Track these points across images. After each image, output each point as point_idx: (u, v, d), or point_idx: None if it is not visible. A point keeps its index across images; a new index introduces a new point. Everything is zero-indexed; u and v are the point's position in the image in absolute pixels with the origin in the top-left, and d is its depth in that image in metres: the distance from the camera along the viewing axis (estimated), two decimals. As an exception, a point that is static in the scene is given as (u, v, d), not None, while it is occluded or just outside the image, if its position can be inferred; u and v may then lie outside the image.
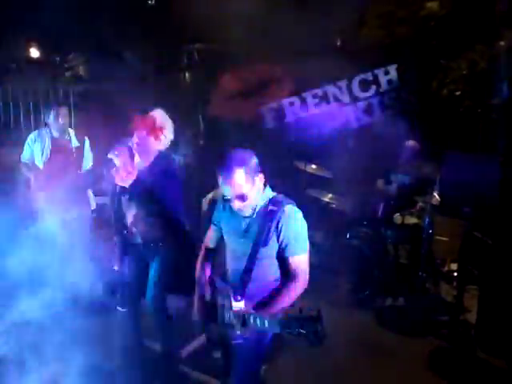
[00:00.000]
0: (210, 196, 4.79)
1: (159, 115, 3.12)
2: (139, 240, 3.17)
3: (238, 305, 2.27)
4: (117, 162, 2.98)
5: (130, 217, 3.14)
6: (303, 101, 6.89)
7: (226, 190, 2.29)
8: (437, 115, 6.39)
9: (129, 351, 3.38)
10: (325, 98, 6.82)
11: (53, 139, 4.35)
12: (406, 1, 6.81)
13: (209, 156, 4.67)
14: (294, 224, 2.36)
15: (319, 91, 6.82)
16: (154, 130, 3.05)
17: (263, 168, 2.38)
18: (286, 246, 2.34)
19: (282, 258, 2.39)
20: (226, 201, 2.33)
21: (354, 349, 3.58)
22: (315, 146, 5.67)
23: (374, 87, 6.66)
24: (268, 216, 2.34)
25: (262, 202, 2.39)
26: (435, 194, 4.71)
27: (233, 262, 2.51)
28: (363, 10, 6.81)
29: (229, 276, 2.53)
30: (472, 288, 4.39)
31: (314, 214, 5.00)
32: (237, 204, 2.31)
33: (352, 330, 3.82)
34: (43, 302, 3.81)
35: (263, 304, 2.34)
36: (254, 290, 2.37)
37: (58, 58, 8.73)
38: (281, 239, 2.34)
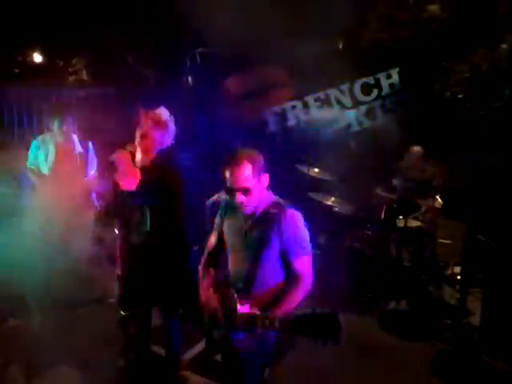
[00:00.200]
0: (212, 198, 4.79)
1: (163, 111, 3.14)
2: (145, 241, 3.17)
3: (243, 308, 2.27)
4: (119, 167, 2.99)
5: (135, 218, 3.15)
6: (305, 104, 6.92)
7: (233, 182, 2.32)
8: (439, 118, 6.39)
9: (135, 354, 3.38)
10: (327, 102, 6.85)
11: (57, 145, 4.37)
12: (407, 3, 6.83)
13: (211, 159, 4.67)
14: (296, 227, 2.37)
15: (321, 95, 6.85)
16: (160, 121, 3.06)
17: (267, 171, 2.41)
18: (289, 248, 2.35)
19: (285, 261, 2.39)
20: (231, 192, 2.34)
21: (357, 351, 3.58)
22: (317, 150, 5.67)
23: (375, 91, 6.68)
24: (269, 219, 2.35)
25: (264, 205, 2.41)
26: (438, 197, 4.70)
27: (235, 266, 2.51)
28: (365, 12, 6.83)
29: (232, 279, 2.53)
30: (475, 291, 4.38)
31: (317, 217, 5.00)
32: (239, 197, 2.33)
33: (355, 332, 3.80)
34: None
35: (267, 307, 2.33)
36: (258, 293, 2.37)
37: (61, 63, 8.78)
38: (283, 242, 2.35)
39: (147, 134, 3.02)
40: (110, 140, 4.37)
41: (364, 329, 4.09)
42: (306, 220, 2.42)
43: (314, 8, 6.02)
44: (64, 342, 3.49)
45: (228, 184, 2.34)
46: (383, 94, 6.63)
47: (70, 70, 8.67)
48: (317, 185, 5.44)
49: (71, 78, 8.64)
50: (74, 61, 8.63)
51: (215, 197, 4.70)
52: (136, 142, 3.06)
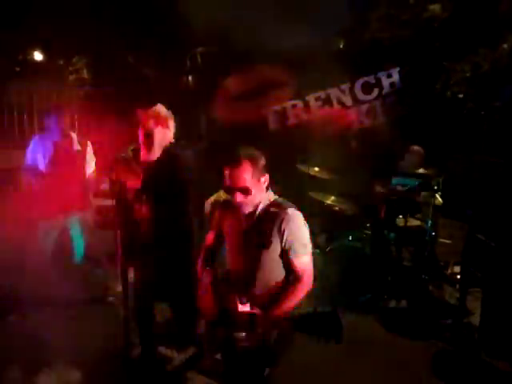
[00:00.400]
0: (212, 198, 4.80)
1: (162, 108, 3.14)
2: (150, 240, 3.18)
3: (244, 307, 2.27)
4: (123, 165, 2.99)
5: (140, 217, 3.16)
6: (306, 103, 6.92)
7: (232, 182, 2.31)
8: (440, 117, 6.39)
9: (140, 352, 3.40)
10: (328, 101, 6.84)
11: (55, 143, 4.37)
12: (408, 3, 6.83)
13: (211, 158, 4.67)
14: (297, 226, 2.37)
15: (322, 94, 6.84)
16: (161, 119, 3.06)
17: (267, 171, 2.40)
18: (290, 248, 2.35)
19: (286, 260, 2.39)
20: (230, 191, 2.34)
21: (356, 351, 3.57)
22: (318, 149, 5.67)
23: (376, 90, 6.68)
24: (270, 219, 2.35)
25: (264, 205, 2.40)
26: (438, 196, 4.70)
27: (235, 265, 2.51)
28: (366, 12, 6.83)
29: (232, 279, 2.53)
30: (475, 290, 4.37)
31: (317, 217, 5.00)
32: (238, 197, 2.32)
33: (354, 332, 3.80)
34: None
35: (268, 306, 2.33)
36: (259, 292, 2.38)
37: (62, 61, 8.77)
38: (284, 242, 2.35)
39: (149, 132, 3.01)
40: (110, 139, 4.38)
41: (364, 328, 4.09)
42: (305, 220, 2.42)
43: (315, 7, 6.01)
44: (64, 341, 3.49)
45: (227, 184, 2.34)
46: (384, 93, 6.63)
47: (71, 68, 8.66)
48: (317, 184, 5.43)
49: (72, 77, 8.63)
50: (74, 59, 8.62)
51: (215, 195, 4.71)
52: (140, 141, 3.06)
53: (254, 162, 2.30)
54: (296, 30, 5.80)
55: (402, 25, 6.76)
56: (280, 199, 2.45)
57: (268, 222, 2.35)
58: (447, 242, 5.40)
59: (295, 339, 2.28)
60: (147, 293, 3.26)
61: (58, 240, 4.39)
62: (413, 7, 6.74)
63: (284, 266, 2.42)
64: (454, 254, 5.14)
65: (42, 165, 4.34)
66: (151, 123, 3.01)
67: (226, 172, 2.32)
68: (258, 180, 2.33)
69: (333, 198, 5.15)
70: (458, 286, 4.77)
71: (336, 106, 6.80)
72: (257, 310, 2.25)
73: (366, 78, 6.68)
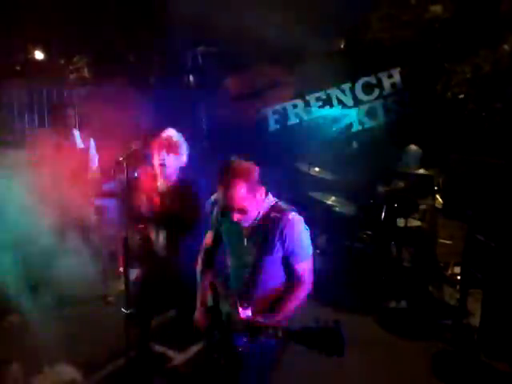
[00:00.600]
0: (212, 197, 4.80)
1: (173, 133, 3.18)
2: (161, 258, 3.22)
3: (245, 312, 2.25)
4: (140, 186, 3.11)
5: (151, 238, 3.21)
6: (307, 103, 6.91)
7: (226, 204, 2.26)
8: (441, 118, 6.38)
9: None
10: (328, 101, 6.84)
11: (58, 141, 4.37)
12: (409, 4, 6.82)
13: (212, 158, 4.67)
14: (298, 231, 2.35)
15: (323, 94, 6.84)
16: (173, 147, 3.10)
17: (266, 174, 2.36)
18: (291, 253, 2.34)
19: (287, 265, 2.39)
20: (225, 214, 2.33)
21: (356, 351, 3.57)
22: (318, 149, 5.67)
23: (377, 90, 6.68)
24: (271, 223, 2.33)
25: (264, 211, 2.37)
26: (438, 196, 4.70)
27: (236, 269, 2.49)
28: (367, 12, 6.82)
29: (232, 282, 2.51)
30: (475, 291, 4.38)
31: (317, 217, 5.01)
32: (236, 216, 2.29)
33: (354, 332, 3.80)
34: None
35: (269, 310, 2.32)
36: (259, 297, 2.37)
37: (62, 61, 8.76)
38: (285, 247, 2.33)
39: (164, 162, 3.08)
40: (112, 137, 4.37)
41: (364, 329, 4.09)
42: (306, 220, 2.42)
43: (316, 7, 6.00)
44: (64, 340, 3.50)
45: (222, 203, 2.31)
46: (385, 93, 6.62)
47: (72, 67, 8.65)
48: (317, 184, 5.44)
49: (72, 76, 8.62)
50: (75, 59, 8.61)
51: (215, 195, 4.71)
52: (155, 169, 3.12)
53: (247, 178, 2.22)
54: (297, 30, 5.80)
55: (403, 25, 6.75)
56: (280, 203, 2.42)
57: (269, 228, 2.32)
58: (447, 242, 5.40)
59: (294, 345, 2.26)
60: (150, 292, 3.26)
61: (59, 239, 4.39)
62: (414, 8, 6.73)
63: (285, 271, 2.41)
64: (454, 255, 5.14)
65: (44, 162, 4.34)
66: (164, 153, 3.07)
67: (220, 191, 2.27)
68: (254, 195, 2.27)
69: (333, 198, 5.16)
70: (458, 286, 4.77)
71: (336, 105, 6.81)
72: (258, 316, 2.24)
73: (366, 78, 6.68)
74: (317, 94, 6.86)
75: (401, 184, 5.03)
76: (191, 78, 7.27)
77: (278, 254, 2.34)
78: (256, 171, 2.28)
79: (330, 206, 5.12)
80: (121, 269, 3.27)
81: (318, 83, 6.76)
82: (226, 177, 2.22)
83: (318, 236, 5.21)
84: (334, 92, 6.79)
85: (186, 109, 6.63)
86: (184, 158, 3.18)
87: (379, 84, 6.64)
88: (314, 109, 6.87)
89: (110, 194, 4.89)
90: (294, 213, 2.37)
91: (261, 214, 2.37)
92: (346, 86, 6.75)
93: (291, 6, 5.94)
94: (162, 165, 3.08)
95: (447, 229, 5.50)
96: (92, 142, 4.59)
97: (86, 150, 4.51)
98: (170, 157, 3.08)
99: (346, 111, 6.77)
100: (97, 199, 4.81)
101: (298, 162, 5.57)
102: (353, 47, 7.25)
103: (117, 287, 4.16)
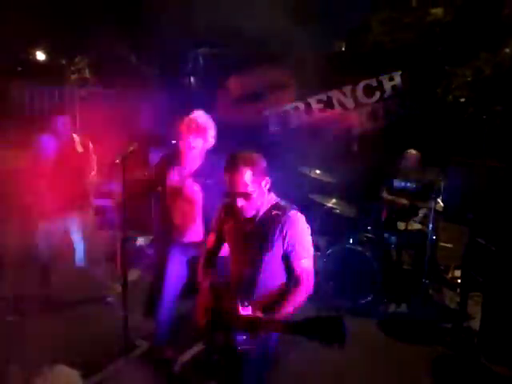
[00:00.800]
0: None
1: (200, 115, 3.20)
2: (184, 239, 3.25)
3: (246, 310, 2.25)
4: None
5: (178, 217, 3.24)
6: (308, 106, 6.92)
7: (232, 187, 2.29)
8: (441, 121, 6.39)
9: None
10: (329, 104, 6.85)
11: (58, 144, 4.36)
12: (410, 7, 6.83)
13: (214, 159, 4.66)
14: (299, 229, 2.36)
15: (324, 96, 6.85)
16: (201, 130, 3.13)
17: (269, 173, 2.37)
18: (292, 251, 2.34)
19: (288, 263, 2.38)
20: (231, 196, 2.33)
21: (356, 354, 3.56)
22: (319, 151, 5.67)
23: (378, 93, 6.68)
24: (272, 221, 2.34)
25: (266, 207, 2.39)
26: (439, 200, 4.69)
27: (237, 268, 2.49)
28: (368, 15, 6.83)
29: (233, 281, 2.52)
30: (476, 295, 4.37)
31: (318, 219, 5.00)
32: (239, 202, 2.31)
33: (354, 335, 3.80)
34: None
35: (269, 309, 2.32)
36: (260, 295, 2.36)
37: (63, 61, 8.78)
38: (286, 244, 2.33)
39: (192, 145, 3.12)
40: (112, 139, 4.38)
41: (364, 332, 4.08)
42: (306, 222, 2.41)
43: (317, 9, 6.02)
44: (64, 341, 3.49)
45: (228, 189, 2.33)
46: (385, 96, 6.63)
47: (73, 68, 8.67)
48: (318, 186, 5.43)
49: (74, 77, 8.64)
50: (76, 59, 8.63)
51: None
52: (182, 153, 3.17)
53: (253, 165, 2.27)
54: (298, 32, 5.81)
55: (404, 28, 6.76)
56: (282, 201, 2.44)
57: (270, 225, 2.33)
58: (448, 245, 5.40)
59: (295, 342, 2.26)
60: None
61: (58, 241, 4.38)
62: (415, 11, 6.74)
63: (285, 269, 2.41)
64: (454, 258, 5.14)
65: (44, 166, 4.34)
66: (192, 136, 3.10)
67: (226, 177, 2.30)
68: (259, 184, 2.31)
69: (333, 200, 5.15)
70: (458, 290, 4.76)
71: (337, 108, 6.81)
72: (258, 313, 2.24)
73: (367, 81, 6.68)
74: (318, 97, 6.86)
75: (403, 200, 5.02)
76: (192, 79, 7.28)
77: (278, 251, 2.35)
78: (262, 161, 2.33)
79: (330, 209, 5.11)
80: (119, 269, 3.27)
81: (319, 85, 6.77)
82: (232, 163, 2.27)
83: (319, 238, 5.20)
84: (335, 94, 6.80)
85: (187, 110, 6.62)
86: (211, 140, 3.20)
87: (380, 86, 6.64)
88: (314, 111, 6.88)
89: (108, 195, 4.89)
90: (295, 211, 2.38)
91: (262, 211, 2.38)
92: (347, 89, 6.76)
93: (292, 8, 5.94)
94: (190, 148, 3.11)
95: (448, 232, 5.50)
96: (91, 146, 4.59)
97: (85, 152, 4.50)
98: (197, 141, 3.12)
99: (347, 114, 6.77)
100: (96, 200, 4.80)
101: (298, 164, 5.57)
102: (354, 50, 7.26)
103: (116, 288, 4.15)
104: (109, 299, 4.44)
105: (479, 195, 4.91)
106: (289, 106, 6.96)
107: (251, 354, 2.32)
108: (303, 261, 2.34)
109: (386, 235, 4.96)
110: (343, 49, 7.61)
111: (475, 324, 4.11)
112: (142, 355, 3.61)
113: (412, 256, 5.13)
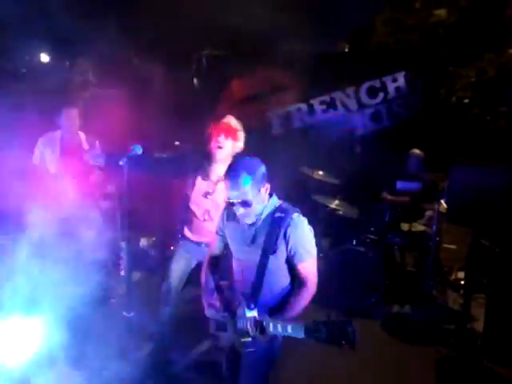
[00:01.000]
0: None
1: (232, 119, 3.25)
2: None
3: (252, 313, 2.25)
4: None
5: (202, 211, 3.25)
6: (311, 107, 6.92)
7: (232, 195, 2.30)
8: (445, 122, 6.38)
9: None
10: (332, 105, 6.84)
11: (63, 142, 4.38)
12: (414, 8, 6.83)
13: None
14: (302, 231, 2.36)
15: (327, 98, 6.84)
16: (232, 132, 3.17)
17: (270, 177, 2.37)
18: (295, 253, 2.34)
19: (291, 265, 2.39)
20: (231, 205, 2.33)
21: (359, 356, 3.56)
22: (322, 152, 5.67)
23: (381, 94, 6.67)
24: (275, 224, 2.34)
25: (268, 210, 2.39)
26: (443, 201, 4.68)
27: (241, 271, 2.49)
28: (372, 17, 6.84)
29: (237, 284, 2.52)
30: (479, 296, 4.36)
31: (321, 220, 5.00)
32: (240, 210, 2.31)
33: (357, 337, 3.79)
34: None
35: (275, 311, 2.33)
36: (265, 297, 2.36)
37: (67, 63, 8.80)
38: (289, 247, 2.34)
39: (223, 146, 3.16)
40: (116, 139, 4.39)
41: (367, 333, 4.07)
42: (309, 223, 2.42)
43: (321, 10, 6.02)
44: (64, 341, 3.49)
45: (227, 197, 2.33)
46: (389, 97, 6.62)
47: (76, 69, 8.69)
48: (321, 187, 5.43)
49: (77, 79, 8.66)
50: (79, 61, 8.65)
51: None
52: (214, 155, 3.19)
53: (252, 173, 2.26)
54: (302, 34, 5.82)
55: (407, 29, 6.76)
56: (285, 204, 2.43)
57: (273, 228, 2.33)
58: (451, 247, 5.38)
59: (300, 344, 2.26)
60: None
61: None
62: (419, 12, 6.74)
63: (289, 271, 2.41)
64: (458, 260, 5.13)
65: (50, 164, 4.36)
66: (222, 137, 3.14)
67: (225, 185, 2.31)
68: (259, 190, 2.30)
69: (336, 201, 5.15)
70: (461, 291, 4.75)
71: (340, 109, 6.81)
72: (263, 316, 2.25)
73: (371, 82, 6.67)
74: (321, 98, 6.86)
75: (405, 198, 5.02)
76: (195, 80, 7.29)
77: (282, 254, 2.35)
78: (262, 167, 2.33)
79: (333, 210, 5.11)
80: (123, 271, 3.27)
81: (322, 87, 6.76)
82: (232, 170, 2.28)
83: (322, 240, 5.20)
84: (339, 95, 6.79)
85: (191, 112, 6.63)
86: (241, 145, 3.24)
87: (384, 88, 6.63)
88: (317, 112, 6.88)
89: (113, 196, 4.89)
90: (297, 214, 2.38)
91: (265, 214, 2.38)
92: (351, 90, 6.75)
93: (295, 9, 5.95)
94: (219, 147, 3.14)
95: (451, 234, 5.49)
96: (97, 144, 4.60)
97: (92, 150, 4.51)
98: (228, 142, 3.15)
99: (350, 115, 6.77)
100: (101, 200, 4.81)
101: (301, 165, 5.57)
102: (357, 51, 7.26)
103: (120, 289, 4.16)
104: (112, 301, 4.45)
105: (483, 197, 4.88)
106: (292, 108, 6.96)
107: (256, 356, 2.33)
108: (306, 263, 2.35)
109: (389, 236, 4.95)
110: (347, 50, 7.61)
111: (479, 326, 4.10)
112: (146, 356, 3.61)
113: (415, 257, 5.12)
